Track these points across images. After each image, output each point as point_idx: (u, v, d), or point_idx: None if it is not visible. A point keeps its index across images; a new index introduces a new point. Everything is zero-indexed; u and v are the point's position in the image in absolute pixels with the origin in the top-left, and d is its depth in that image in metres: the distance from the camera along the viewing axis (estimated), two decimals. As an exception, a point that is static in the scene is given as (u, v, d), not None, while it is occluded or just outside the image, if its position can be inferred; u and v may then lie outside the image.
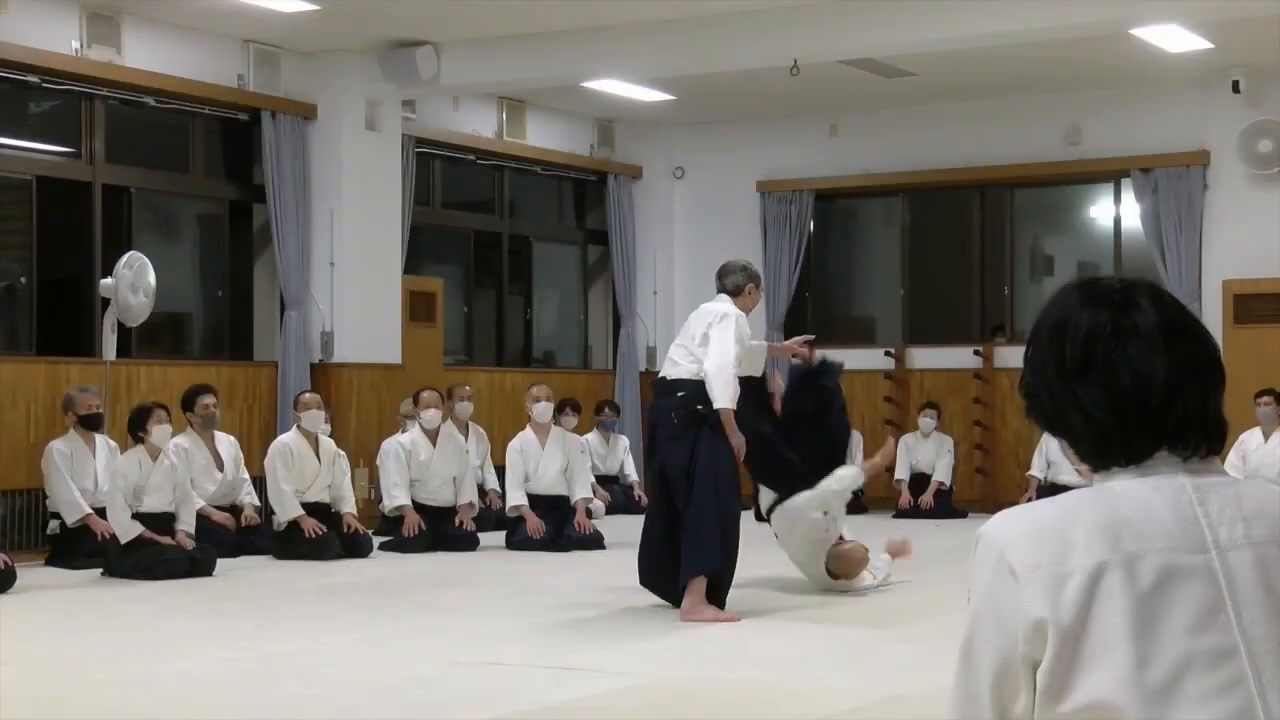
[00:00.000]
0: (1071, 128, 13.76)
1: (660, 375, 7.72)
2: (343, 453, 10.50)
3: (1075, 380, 1.80)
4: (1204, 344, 1.83)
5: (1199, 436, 1.80)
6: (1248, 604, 1.70)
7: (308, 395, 10.55)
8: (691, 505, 7.35)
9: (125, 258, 9.96)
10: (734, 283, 7.74)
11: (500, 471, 11.27)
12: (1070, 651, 1.68)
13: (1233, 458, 11.38)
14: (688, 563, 7.35)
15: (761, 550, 8.27)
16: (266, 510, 10.40)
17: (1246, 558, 1.73)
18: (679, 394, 7.45)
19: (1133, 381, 1.78)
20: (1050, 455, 12.60)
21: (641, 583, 7.71)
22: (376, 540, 10.43)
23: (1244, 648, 1.68)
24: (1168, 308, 1.83)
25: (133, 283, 9.89)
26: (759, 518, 8.42)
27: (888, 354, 14.44)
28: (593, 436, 13.11)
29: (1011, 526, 1.77)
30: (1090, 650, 1.68)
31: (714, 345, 7.40)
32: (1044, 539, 1.74)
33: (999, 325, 14.34)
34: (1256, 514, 1.76)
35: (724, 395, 7.32)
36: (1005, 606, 1.73)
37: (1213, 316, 12.78)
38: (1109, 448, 1.80)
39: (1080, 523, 1.74)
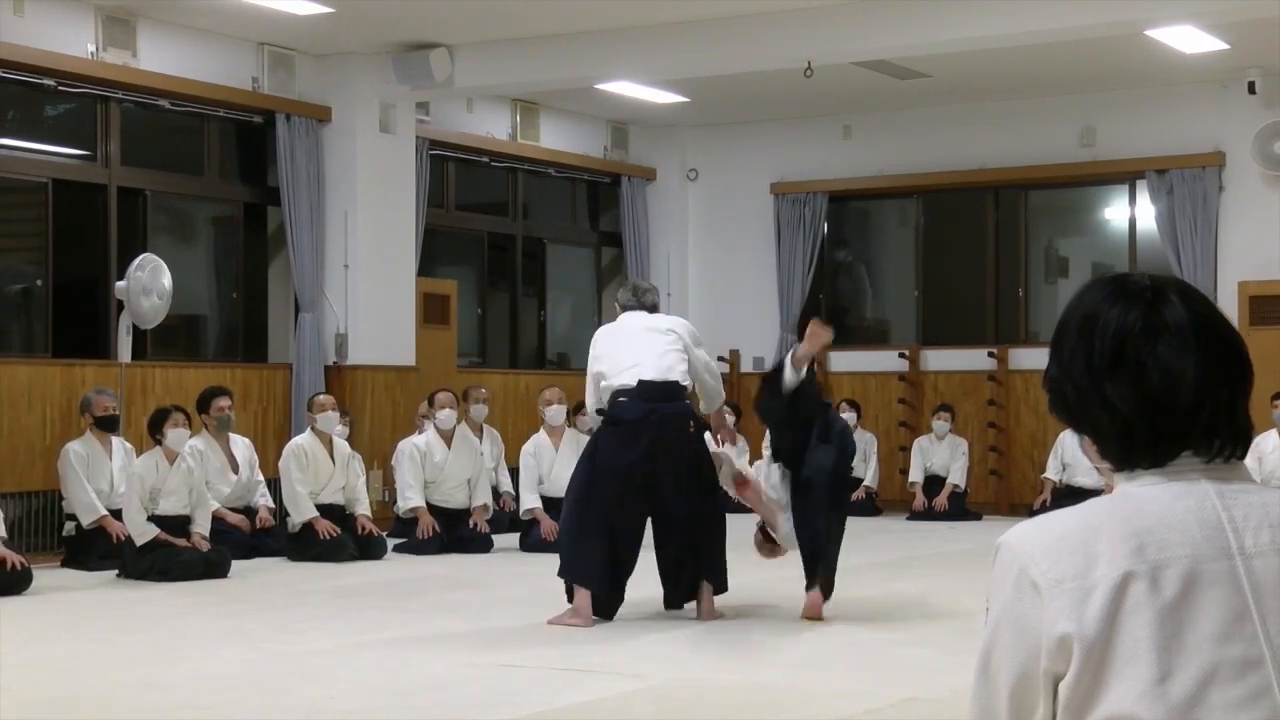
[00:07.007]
0: (1086, 129, 13.73)
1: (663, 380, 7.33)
2: (357, 454, 10.51)
3: (1104, 377, 1.76)
4: (1234, 344, 1.80)
5: (1225, 439, 1.76)
6: (1274, 612, 1.67)
7: (322, 397, 10.56)
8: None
9: (138, 260, 9.99)
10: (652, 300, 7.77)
11: (514, 474, 11.27)
12: (1096, 665, 1.66)
13: (1249, 460, 11.31)
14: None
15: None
16: (281, 512, 10.42)
17: (1273, 565, 1.70)
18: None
19: (1163, 380, 1.74)
20: (1065, 458, 12.55)
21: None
22: (391, 542, 10.44)
23: (1269, 657, 1.65)
24: (1198, 305, 1.79)
25: (146, 285, 9.91)
26: None
27: (901, 356, 14.42)
28: (606, 438, 13.08)
29: (1033, 538, 1.73)
30: (1116, 664, 1.65)
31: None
32: (1067, 552, 1.70)
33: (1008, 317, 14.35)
34: (1283, 521, 1.73)
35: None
36: (1027, 621, 1.70)
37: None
38: (1134, 447, 1.76)
39: (1103, 533, 1.71)
